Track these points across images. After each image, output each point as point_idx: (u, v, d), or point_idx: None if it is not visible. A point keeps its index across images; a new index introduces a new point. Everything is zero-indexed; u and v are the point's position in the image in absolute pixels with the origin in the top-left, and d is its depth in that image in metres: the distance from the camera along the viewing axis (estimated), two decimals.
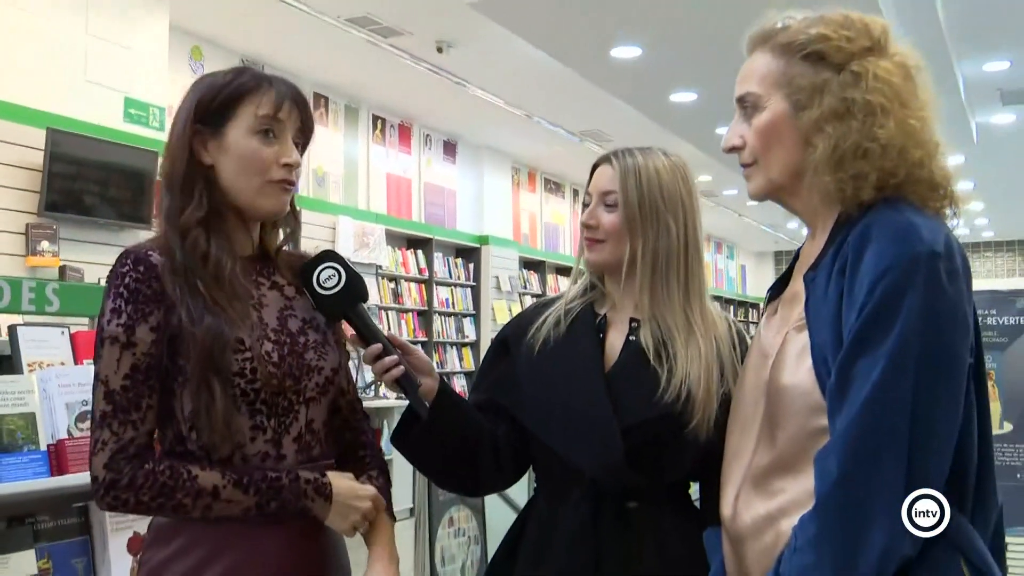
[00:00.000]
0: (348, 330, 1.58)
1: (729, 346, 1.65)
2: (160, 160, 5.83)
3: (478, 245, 10.70)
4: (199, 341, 1.37)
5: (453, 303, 10.38)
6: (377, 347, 1.53)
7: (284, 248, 1.57)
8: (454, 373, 10.25)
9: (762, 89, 1.37)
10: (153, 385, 1.39)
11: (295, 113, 1.48)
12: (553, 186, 13.00)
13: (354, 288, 1.53)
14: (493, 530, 3.22)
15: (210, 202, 1.45)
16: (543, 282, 12.07)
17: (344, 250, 7.96)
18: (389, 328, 8.92)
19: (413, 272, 9.74)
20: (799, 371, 1.30)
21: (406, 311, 9.59)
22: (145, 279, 1.39)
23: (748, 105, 1.39)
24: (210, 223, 1.45)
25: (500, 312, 10.63)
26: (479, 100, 8.57)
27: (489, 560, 1.78)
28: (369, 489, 1.50)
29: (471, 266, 10.71)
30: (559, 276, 12.50)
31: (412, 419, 1.64)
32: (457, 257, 10.59)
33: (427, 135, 10.26)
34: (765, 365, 1.37)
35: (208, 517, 1.38)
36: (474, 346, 10.62)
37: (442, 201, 10.58)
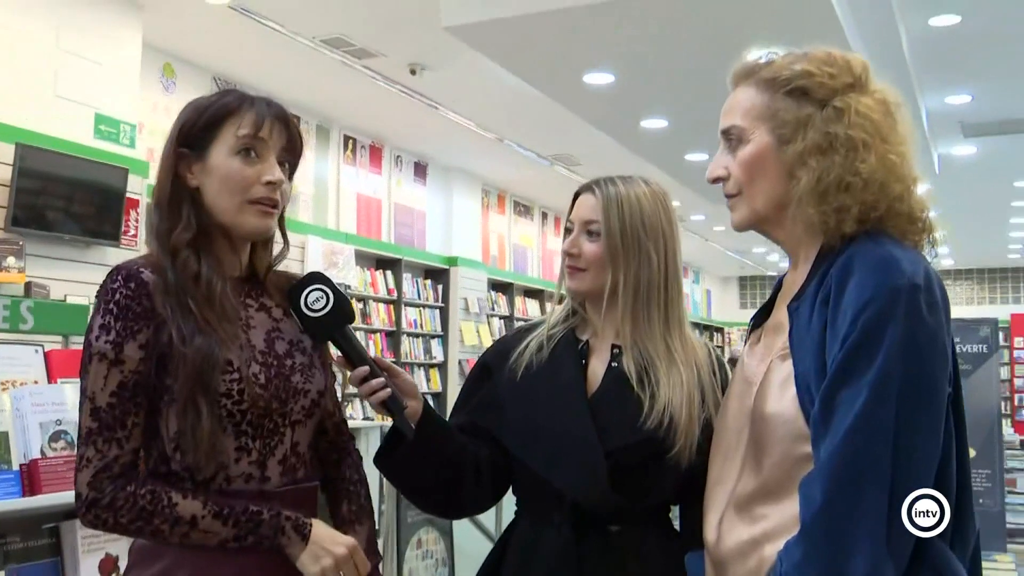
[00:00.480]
0: (334, 352, 1.58)
1: (709, 372, 1.67)
2: (130, 176, 5.79)
3: (447, 266, 10.69)
4: (189, 361, 1.36)
5: (421, 324, 10.35)
6: (364, 369, 1.53)
7: (272, 269, 1.57)
8: (422, 394, 10.18)
9: (747, 122, 1.40)
10: (140, 403, 1.38)
11: (278, 131, 1.47)
12: (522, 209, 13.05)
13: (341, 310, 1.54)
14: (461, 552, 3.20)
15: (198, 223, 1.45)
16: (511, 304, 12.08)
17: (312, 269, 7.90)
18: None
19: (382, 292, 9.72)
20: (783, 399, 1.32)
21: (374, 331, 9.55)
22: (136, 296, 1.38)
23: (733, 138, 1.42)
24: (199, 244, 1.45)
25: (468, 333, 10.62)
26: (451, 122, 8.59)
27: None
28: (349, 540, 1.47)
29: (440, 287, 10.70)
30: (527, 298, 12.53)
31: (396, 440, 1.64)
32: (426, 278, 10.57)
33: (398, 156, 10.27)
34: (749, 393, 1.39)
35: (186, 544, 1.37)
36: (442, 367, 10.59)
37: (411, 222, 10.58)
